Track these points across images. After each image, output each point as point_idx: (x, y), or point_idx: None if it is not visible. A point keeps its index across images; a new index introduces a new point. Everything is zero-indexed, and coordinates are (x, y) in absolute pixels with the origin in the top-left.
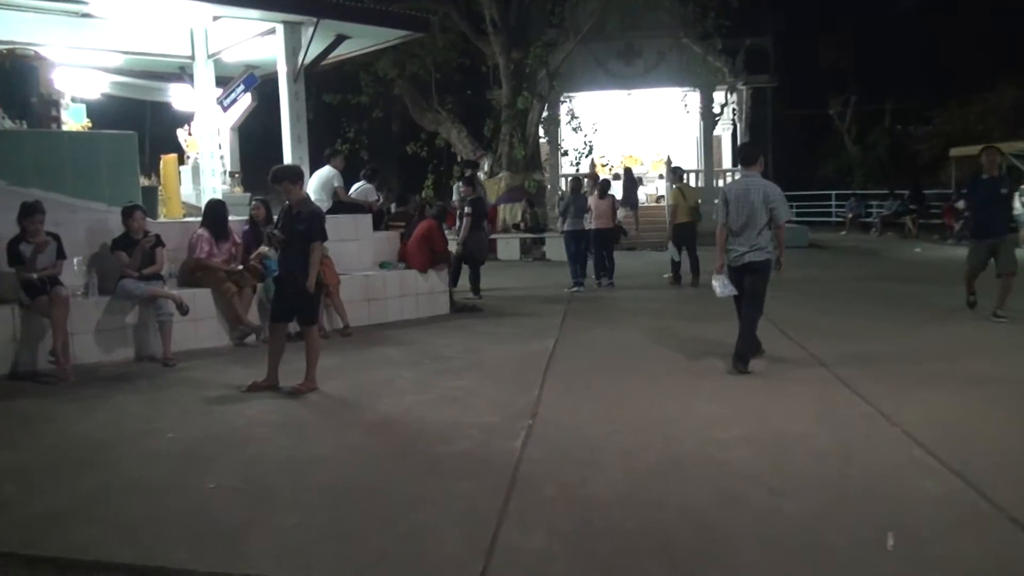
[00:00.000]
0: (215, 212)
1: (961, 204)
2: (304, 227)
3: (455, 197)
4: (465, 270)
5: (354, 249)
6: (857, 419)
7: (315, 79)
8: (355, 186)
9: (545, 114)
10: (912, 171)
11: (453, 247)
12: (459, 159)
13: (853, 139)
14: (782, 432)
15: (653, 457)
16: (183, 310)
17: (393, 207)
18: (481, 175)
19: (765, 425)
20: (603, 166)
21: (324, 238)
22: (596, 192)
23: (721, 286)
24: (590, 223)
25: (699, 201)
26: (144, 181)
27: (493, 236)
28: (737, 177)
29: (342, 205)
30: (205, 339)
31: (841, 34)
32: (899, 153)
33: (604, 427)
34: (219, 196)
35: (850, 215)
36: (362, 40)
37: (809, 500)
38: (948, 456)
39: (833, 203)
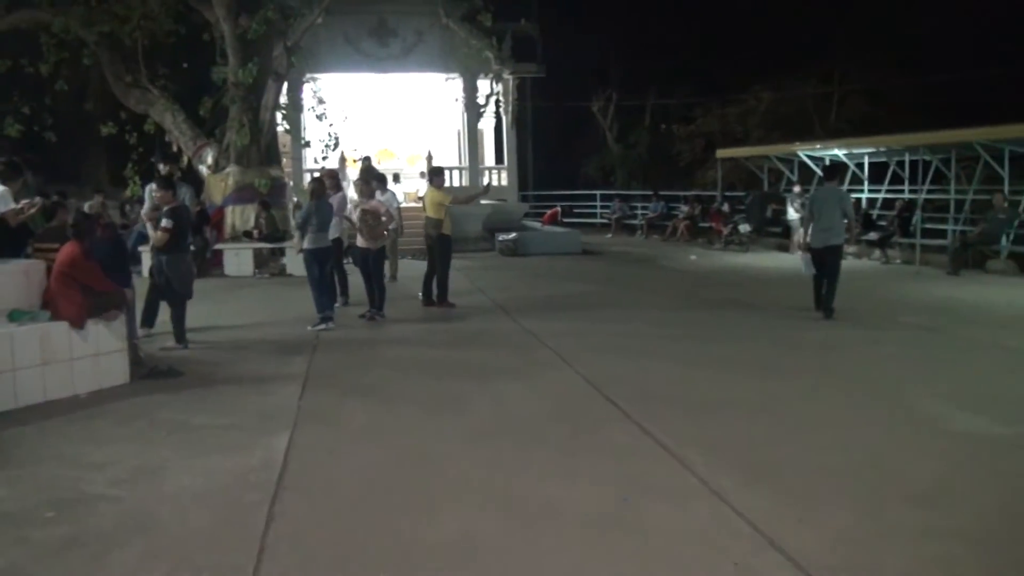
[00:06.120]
0: None
1: (726, 208)
2: None
3: (147, 205)
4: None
5: None
6: None
7: None
8: None
9: (285, 99)
10: (673, 172)
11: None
12: (175, 148)
13: (615, 137)
14: None
15: None
16: None
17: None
18: (203, 169)
19: None
20: (354, 161)
21: None
22: (376, 191)
23: (805, 265)
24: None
25: (443, 204)
26: None
27: (219, 246)
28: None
29: None
30: None
31: (604, 26)
32: (660, 153)
33: None
34: None
35: (615, 216)
36: None
37: None
38: None
39: (598, 204)
